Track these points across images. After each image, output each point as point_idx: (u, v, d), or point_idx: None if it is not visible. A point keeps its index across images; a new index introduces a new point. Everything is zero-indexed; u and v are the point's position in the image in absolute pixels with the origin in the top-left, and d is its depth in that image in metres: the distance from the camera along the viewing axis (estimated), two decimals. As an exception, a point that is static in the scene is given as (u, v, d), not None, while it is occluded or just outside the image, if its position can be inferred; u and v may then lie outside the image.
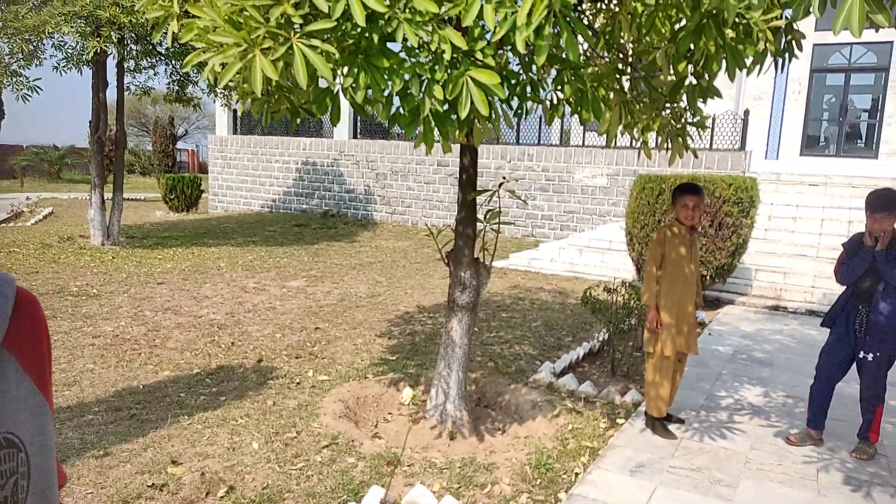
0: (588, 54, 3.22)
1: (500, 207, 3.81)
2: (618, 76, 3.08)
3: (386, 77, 2.20)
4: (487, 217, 3.80)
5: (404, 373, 4.89)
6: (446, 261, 3.93)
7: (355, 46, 2.17)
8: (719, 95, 2.95)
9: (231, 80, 2.26)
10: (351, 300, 7.49)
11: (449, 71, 2.30)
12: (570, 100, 2.73)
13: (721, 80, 3.06)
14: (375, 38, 2.13)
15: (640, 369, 5.35)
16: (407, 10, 2.17)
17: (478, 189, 3.75)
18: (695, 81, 2.97)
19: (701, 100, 3.09)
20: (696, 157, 3.74)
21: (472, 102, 2.29)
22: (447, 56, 2.21)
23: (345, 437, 3.68)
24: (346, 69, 2.20)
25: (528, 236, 13.49)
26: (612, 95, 2.95)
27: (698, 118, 3.30)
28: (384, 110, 2.39)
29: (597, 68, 2.85)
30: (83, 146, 24.98)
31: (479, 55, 2.32)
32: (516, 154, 13.64)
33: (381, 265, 10.14)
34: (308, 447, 3.55)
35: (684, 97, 3.14)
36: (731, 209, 7.59)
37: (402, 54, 2.31)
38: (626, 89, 3.19)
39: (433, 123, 2.42)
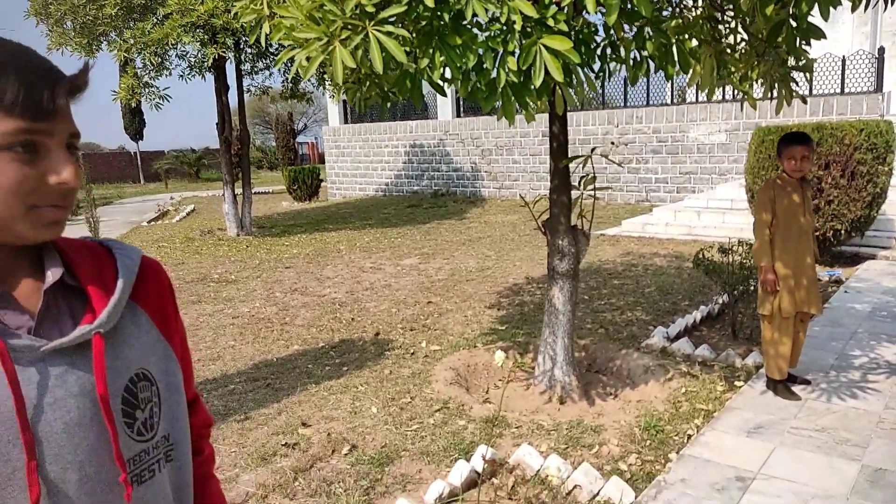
0: (675, 5, 3.11)
1: (594, 173, 3.78)
2: (710, 25, 2.95)
3: (459, 54, 2.30)
4: (582, 183, 3.79)
5: (513, 341, 5.02)
6: (543, 230, 3.98)
7: (429, 27, 2.28)
8: (822, 36, 2.75)
9: (323, 72, 2.44)
10: (461, 274, 7.71)
11: (521, 41, 2.35)
12: (654, 56, 2.67)
13: (859, 15, 2.83)
14: (446, 16, 2.22)
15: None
16: (476, -14, 2.24)
17: (570, 156, 3.75)
18: (793, 24, 2.79)
19: (804, 42, 2.89)
20: (804, 102, 3.48)
21: (546, 70, 2.33)
22: (518, 27, 2.26)
23: (455, 402, 3.88)
24: (421, 51, 2.32)
25: (642, 201, 13.03)
26: (701, 47, 2.84)
27: (804, 62, 3.09)
28: (462, 86, 2.49)
29: (679, 20, 2.76)
30: (216, 147, 27.24)
31: (550, 22, 2.35)
32: (624, 117, 13.16)
33: (489, 240, 10.28)
34: (421, 411, 3.79)
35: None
36: (864, 156, 6.91)
37: (475, 30, 2.38)
38: (720, 38, 3.06)
39: (511, 95, 2.49)
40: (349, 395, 4.11)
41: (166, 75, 9.60)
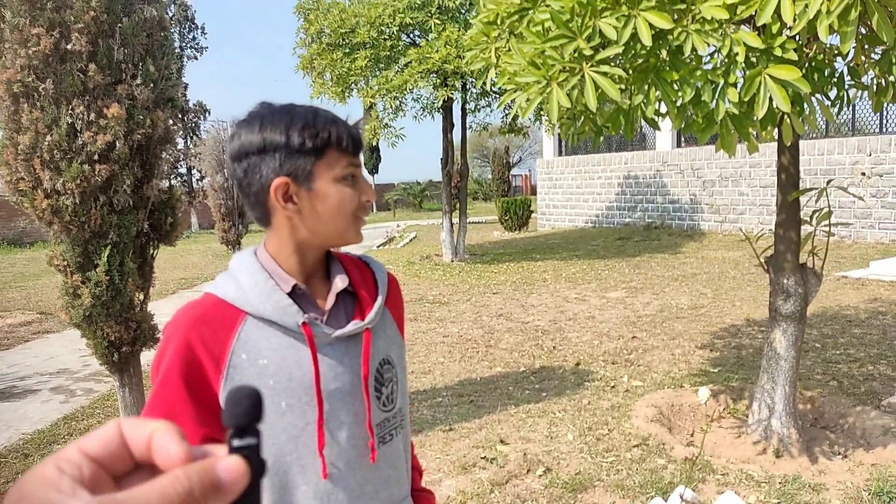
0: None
1: (829, 207, 3.45)
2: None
3: (676, 88, 2.33)
4: (815, 218, 3.48)
5: (726, 385, 4.69)
6: (765, 267, 3.72)
7: (645, 64, 2.36)
8: None
9: (541, 111, 2.64)
10: (671, 311, 7.37)
11: (744, 72, 2.30)
12: (903, 80, 2.42)
13: None
14: (664, 52, 2.28)
15: None
16: (696, 21, 2.27)
17: (800, 188, 3.48)
18: None
19: None
20: None
21: (770, 101, 2.25)
22: (741, 58, 2.23)
23: (656, 440, 3.76)
24: (636, 87, 2.39)
25: (900, 242, 11.20)
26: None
27: None
28: (676, 119, 2.50)
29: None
30: (438, 180, 29.39)
31: (777, 52, 2.28)
32: (879, 144, 11.49)
33: (706, 276, 9.65)
34: (619, 444, 3.74)
35: None
36: None
37: (693, 63, 2.39)
38: None
39: (731, 125, 2.44)
40: (546, 419, 4.20)
41: (402, 116, 10.75)
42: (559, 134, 16.50)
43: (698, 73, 2.37)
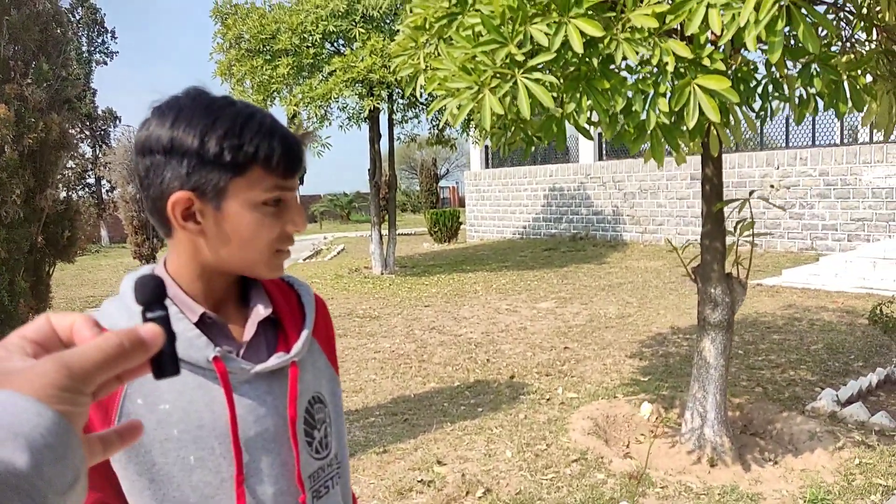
0: (845, 40, 2.87)
1: (752, 218, 3.53)
2: (886, 59, 2.69)
3: (608, 97, 2.29)
4: (738, 228, 3.55)
5: (657, 394, 4.74)
6: (693, 276, 3.76)
7: (576, 72, 2.30)
8: None
9: (471, 119, 2.55)
10: (600, 321, 7.47)
11: (674, 82, 2.29)
12: (823, 94, 2.48)
13: None
14: (595, 62, 2.23)
15: (959, 402, 4.39)
16: (626, 30, 2.24)
17: (724, 199, 3.54)
18: None
19: None
20: None
21: (700, 111, 2.24)
22: (670, 68, 2.21)
23: (594, 454, 3.72)
24: (567, 95, 2.33)
25: (807, 249, 11.90)
26: (876, 83, 2.59)
27: None
28: (608, 129, 2.46)
29: (851, 55, 2.54)
30: (366, 191, 29.07)
31: (706, 62, 2.27)
32: (786, 158, 12.21)
33: (631, 286, 9.89)
34: (558, 460, 3.67)
35: None
36: None
37: (624, 72, 2.36)
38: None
39: (661, 136, 2.42)
40: (483, 436, 4.09)
41: (327, 126, 10.50)
42: (487, 145, 16.59)
43: (628, 82, 2.33)
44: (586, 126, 2.40)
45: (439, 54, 2.48)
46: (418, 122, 12.07)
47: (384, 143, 12.05)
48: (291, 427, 0.89)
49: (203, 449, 0.85)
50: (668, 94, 2.29)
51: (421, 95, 11.60)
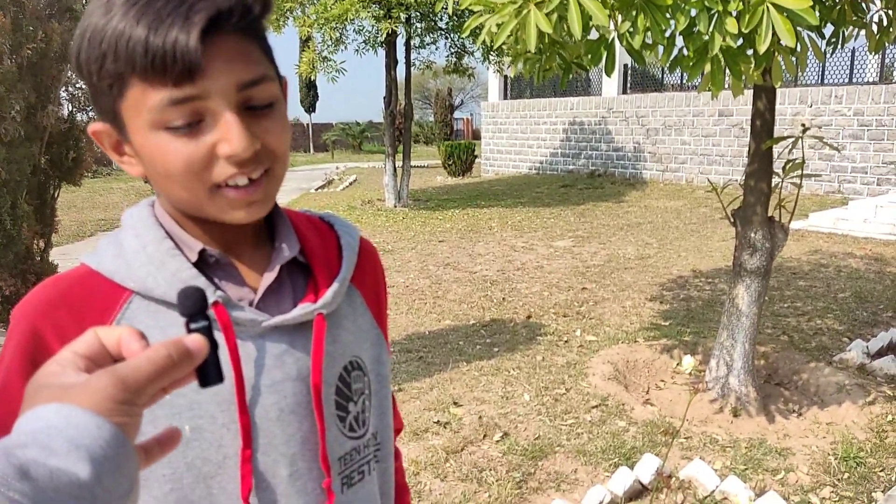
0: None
1: (803, 158, 3.27)
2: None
3: (668, 16, 2.00)
4: (787, 168, 3.30)
5: (679, 339, 4.60)
6: (732, 220, 3.54)
7: (635, -14, 2.01)
8: None
9: (505, 42, 2.28)
10: (619, 262, 7.28)
11: (745, 0, 1.99)
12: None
13: None
14: (658, -27, 1.93)
15: None
16: (695, -64, 1.93)
17: (774, 137, 3.27)
18: None
19: None
20: None
21: (773, 33, 1.96)
22: (744, -18, 1.92)
23: (615, 400, 3.61)
24: (622, 13, 2.05)
25: (834, 193, 11.52)
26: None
27: None
28: (665, 53, 2.18)
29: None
30: (379, 121, 28.41)
31: (784, -24, 1.97)
32: (820, 96, 11.64)
33: (651, 226, 9.64)
34: (577, 405, 3.57)
35: None
36: None
37: (689, -13, 2.07)
38: None
39: (723, 62, 2.14)
40: (500, 378, 3.99)
41: (342, 50, 10.03)
42: (507, 75, 15.89)
43: (694, -1, 2.04)
44: (640, 50, 2.12)
45: (477, -38, 2.18)
46: (436, 49, 11.54)
47: (401, 70, 11.58)
48: (315, 396, 0.71)
49: (201, 417, 0.67)
50: (738, 13, 2.00)
51: (442, 19, 11.06)
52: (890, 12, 2.32)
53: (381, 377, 0.82)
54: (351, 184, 17.20)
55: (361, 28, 10.23)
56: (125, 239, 0.70)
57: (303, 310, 0.71)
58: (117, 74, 0.59)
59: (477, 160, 19.16)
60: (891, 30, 2.31)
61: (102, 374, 0.41)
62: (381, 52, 10.88)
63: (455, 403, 3.62)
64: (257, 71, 0.62)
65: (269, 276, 0.72)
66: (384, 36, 9.65)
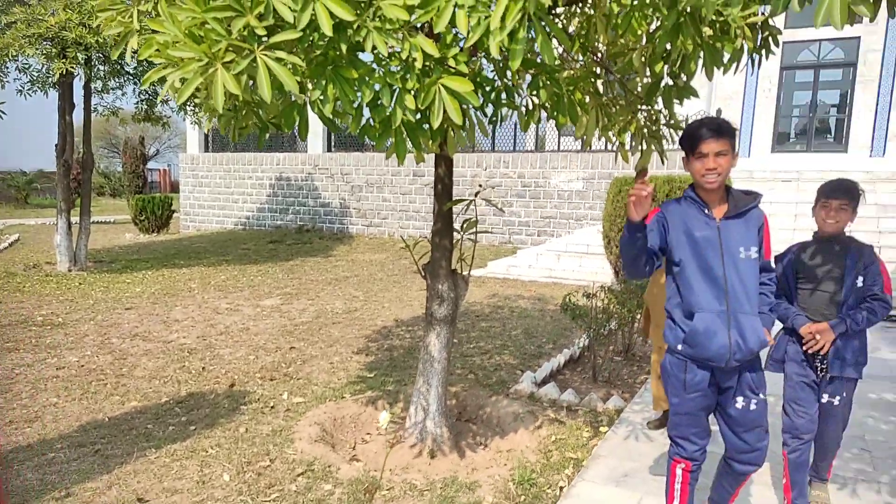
0: (563, 58, 3.16)
1: (476, 217, 3.72)
2: (593, 79, 3.02)
3: (355, 88, 2.11)
4: (464, 227, 3.71)
5: (382, 390, 4.76)
6: (423, 273, 3.83)
7: (323, 57, 2.07)
8: (696, 95, 2.90)
9: (196, 97, 2.14)
10: (327, 317, 7.34)
11: (421, 79, 2.21)
12: (546, 104, 2.66)
13: (697, 80, 3.00)
14: (344, 48, 2.03)
15: (620, 374, 5.29)
16: (376, 19, 2.08)
17: (454, 199, 3.66)
18: (671, 82, 2.93)
19: (677, 101, 3.03)
20: (663, 160, 3.61)
21: (444, 111, 2.20)
22: (419, 64, 2.12)
23: (321, 463, 3.54)
24: (312, 82, 2.09)
25: (506, 243, 13.46)
26: (588, 99, 2.88)
27: (673, 121, 3.26)
28: (353, 122, 2.29)
29: (572, 72, 2.79)
30: (52, 170, 24.39)
31: (451, 62, 2.24)
32: (492, 161, 13.63)
33: (357, 279, 9.99)
34: (282, 476, 3.40)
35: (660, 99, 3.09)
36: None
37: (372, 64, 2.21)
38: (601, 92, 3.14)
39: (405, 134, 2.33)
40: (196, 460, 3.59)
41: (1, 88, 8.44)
42: (213, 128, 15.10)
43: (377, 74, 2.19)
44: (331, 117, 2.19)
45: (159, 14, 2.01)
46: (123, 94, 10.41)
47: (78, 115, 10.14)
48: None
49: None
50: (415, 91, 2.20)
51: (129, 64, 10.06)
52: (535, 99, 2.82)
53: None
54: (12, 244, 14.30)
55: (27, 66, 8.77)
56: None
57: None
58: None
59: (175, 215, 17.71)
60: (534, 112, 2.81)
61: None
62: (54, 93, 9.42)
63: (139, 500, 3.13)
64: None
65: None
66: (57, 77, 8.40)
